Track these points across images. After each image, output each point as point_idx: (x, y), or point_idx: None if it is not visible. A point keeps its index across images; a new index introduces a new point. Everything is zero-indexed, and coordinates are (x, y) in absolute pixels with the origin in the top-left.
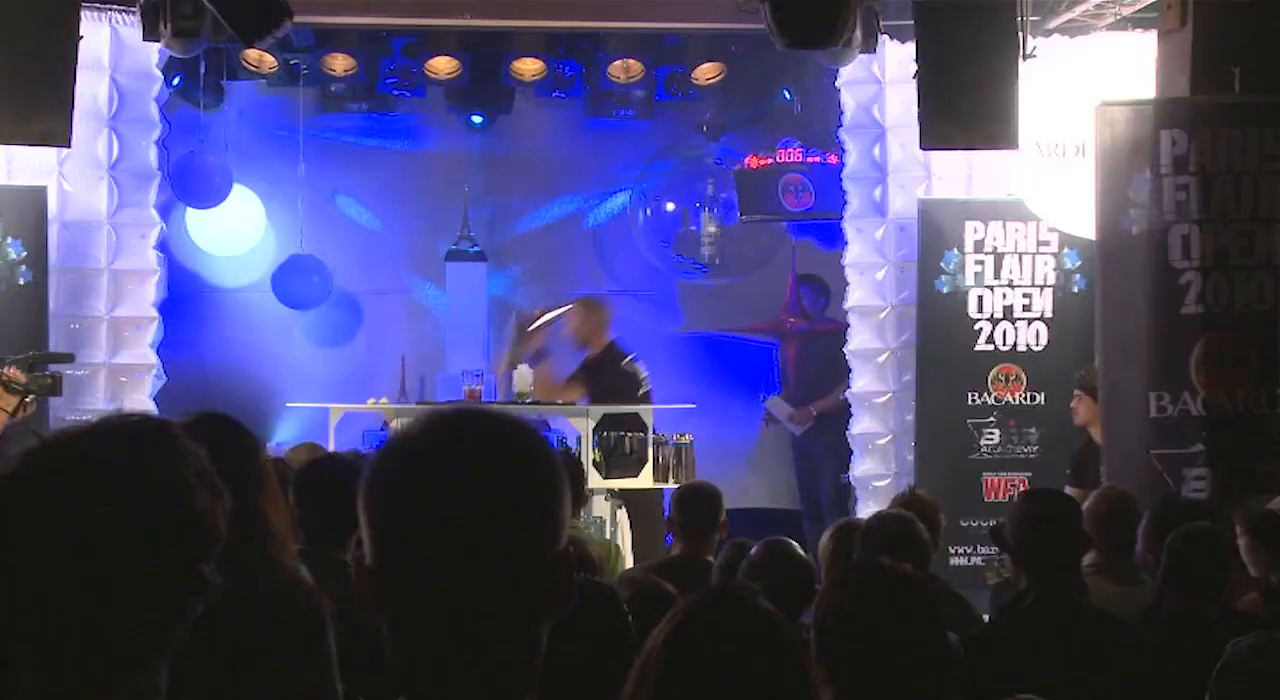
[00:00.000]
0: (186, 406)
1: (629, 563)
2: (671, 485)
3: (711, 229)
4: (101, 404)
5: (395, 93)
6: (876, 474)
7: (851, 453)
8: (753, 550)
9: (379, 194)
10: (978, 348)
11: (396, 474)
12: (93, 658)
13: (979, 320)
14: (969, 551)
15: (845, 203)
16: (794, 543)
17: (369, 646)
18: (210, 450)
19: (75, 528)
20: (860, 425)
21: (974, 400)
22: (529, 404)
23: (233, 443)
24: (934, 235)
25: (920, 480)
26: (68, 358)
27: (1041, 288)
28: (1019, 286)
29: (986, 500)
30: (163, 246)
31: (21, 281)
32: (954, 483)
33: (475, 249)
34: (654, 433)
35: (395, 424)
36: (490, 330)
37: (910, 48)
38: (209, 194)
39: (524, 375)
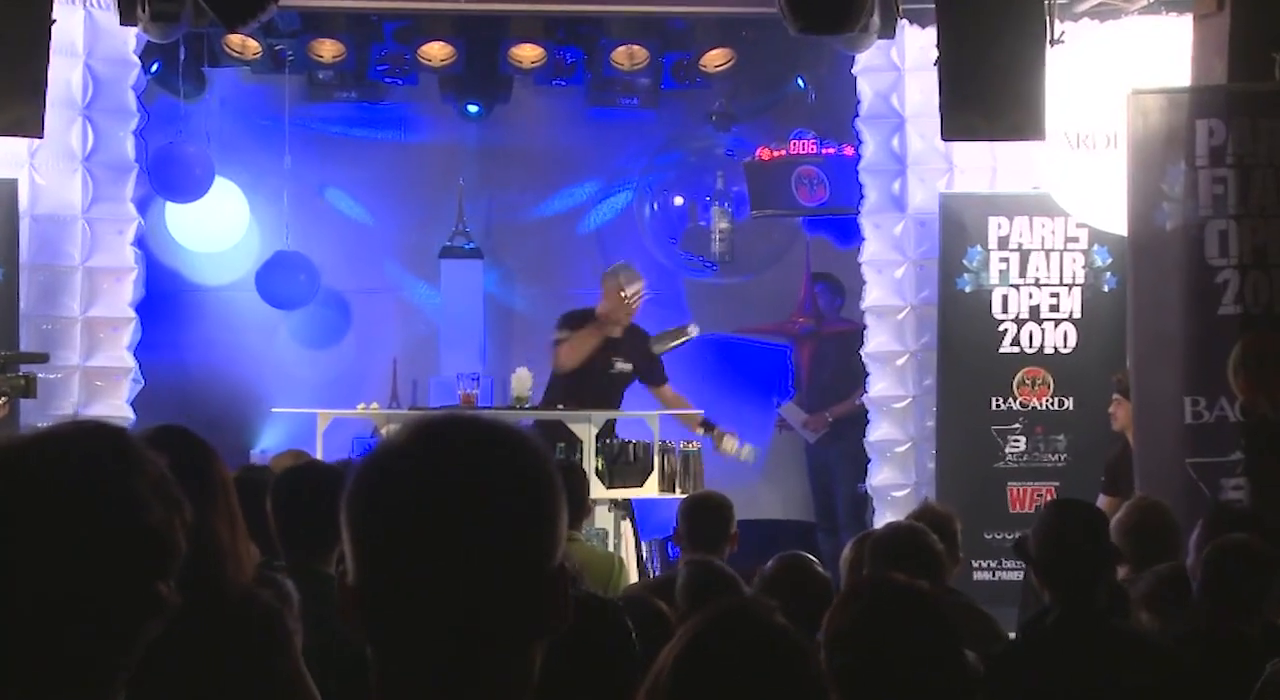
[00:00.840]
0: (166, 412)
1: (633, 577)
2: (678, 495)
3: (721, 225)
4: (75, 409)
5: (386, 80)
6: (895, 483)
7: (869, 461)
8: (767, 564)
9: (369, 187)
10: (1002, 350)
11: (380, 485)
12: (40, 684)
13: (1004, 321)
14: (993, 566)
15: (862, 197)
16: (811, 557)
17: (352, 666)
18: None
19: (17, 543)
20: (878, 432)
21: (998, 406)
22: (527, 409)
23: (185, 454)
24: (956, 231)
25: (941, 490)
26: (41, 358)
27: (1070, 287)
28: (1046, 285)
29: (1012, 511)
30: (140, 243)
31: None
32: (977, 493)
33: (471, 246)
34: (660, 440)
35: (387, 430)
36: (486, 331)
37: (931, 33)
38: (189, 187)
39: (522, 378)
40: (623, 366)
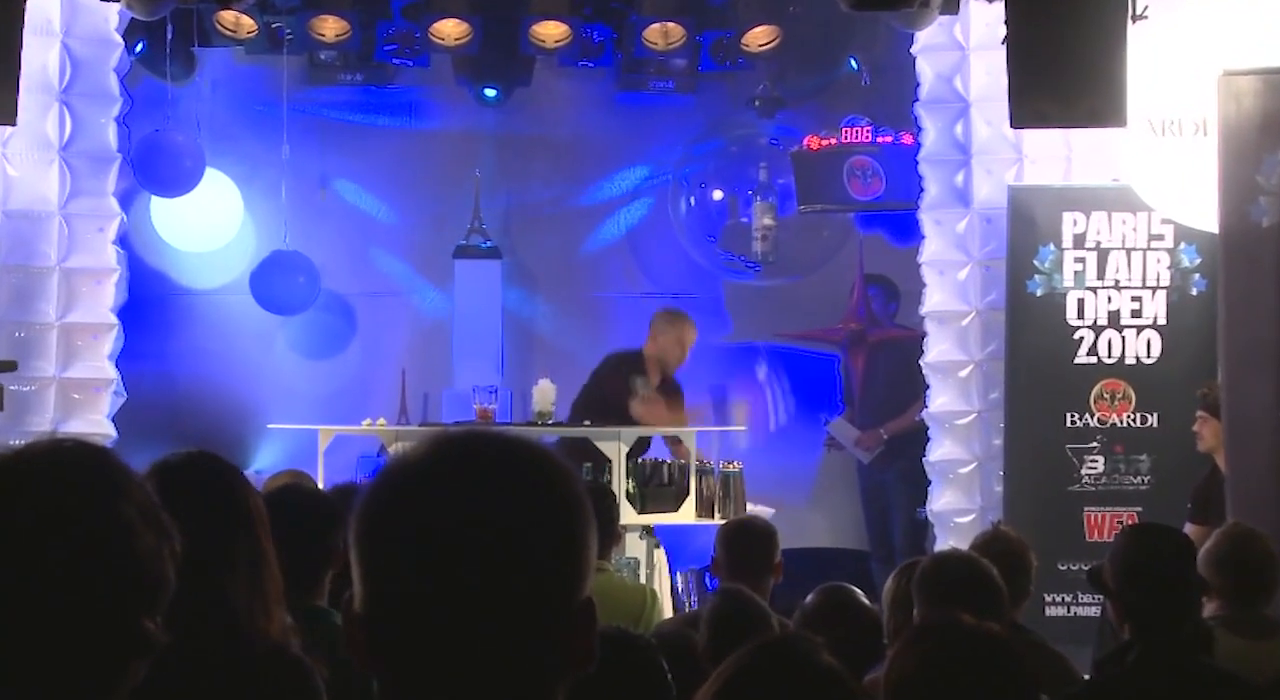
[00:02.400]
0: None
1: (668, 611)
2: (717, 521)
3: (765, 221)
4: (51, 425)
5: (395, 62)
6: (958, 508)
7: (929, 483)
8: (808, 598)
9: (376, 180)
10: (1078, 360)
11: (391, 507)
12: None
13: (1079, 328)
14: (1068, 600)
15: (921, 190)
16: (856, 589)
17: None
18: (192, 495)
19: None
20: (939, 451)
21: (1073, 422)
22: (551, 426)
23: (215, 485)
24: (1026, 228)
25: (1010, 516)
26: (9, 365)
27: (1154, 290)
28: (1127, 288)
29: (1088, 540)
30: (123, 241)
31: None
32: (1050, 519)
33: (488, 245)
34: (697, 460)
35: (395, 449)
36: (504, 339)
37: (999, 8)
38: (178, 180)
39: (544, 391)
40: (646, 393)
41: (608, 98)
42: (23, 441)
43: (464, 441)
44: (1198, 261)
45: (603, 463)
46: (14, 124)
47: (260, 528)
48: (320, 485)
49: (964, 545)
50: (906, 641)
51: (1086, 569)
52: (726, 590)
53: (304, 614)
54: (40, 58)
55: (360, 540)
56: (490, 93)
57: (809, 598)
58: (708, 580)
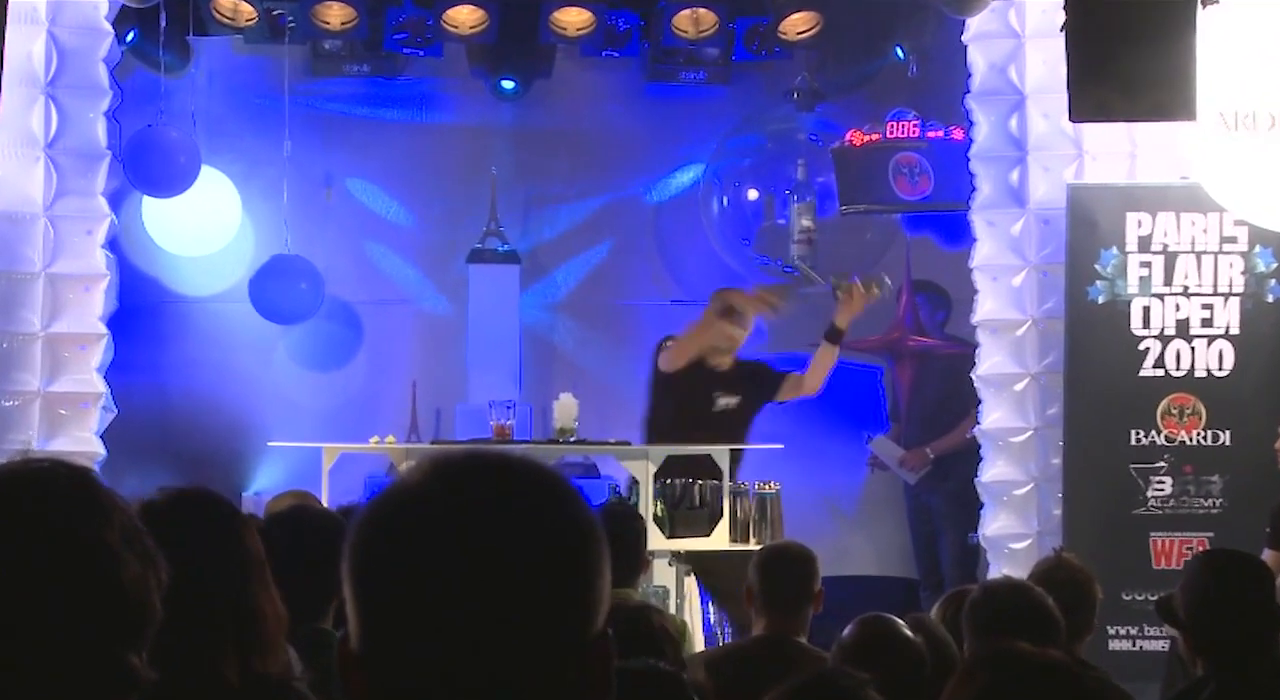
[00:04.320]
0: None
1: (699, 644)
2: (753, 546)
3: (803, 223)
4: (36, 443)
5: (405, 52)
6: (1013, 533)
7: (981, 506)
8: (846, 630)
9: (384, 179)
10: (1143, 373)
11: (389, 535)
12: None
13: (1145, 338)
14: (1133, 632)
15: (973, 189)
16: (897, 619)
17: None
18: (183, 540)
19: None
20: (992, 471)
21: (1139, 440)
22: (572, 443)
23: (214, 524)
24: (1087, 230)
25: (1069, 541)
26: None
27: (1226, 296)
28: (1196, 295)
29: (1155, 567)
30: (113, 245)
31: None
32: (1113, 545)
33: (505, 248)
34: (732, 480)
35: (404, 468)
36: (523, 350)
37: None
38: (171, 179)
39: (566, 406)
40: (727, 402)
41: (634, 90)
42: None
43: (463, 464)
44: (1274, 266)
45: (629, 484)
46: None
47: (258, 570)
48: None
49: (1019, 573)
50: (965, 673)
51: (1155, 599)
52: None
53: (307, 638)
54: (24, 47)
55: (353, 574)
56: (508, 85)
57: (847, 629)
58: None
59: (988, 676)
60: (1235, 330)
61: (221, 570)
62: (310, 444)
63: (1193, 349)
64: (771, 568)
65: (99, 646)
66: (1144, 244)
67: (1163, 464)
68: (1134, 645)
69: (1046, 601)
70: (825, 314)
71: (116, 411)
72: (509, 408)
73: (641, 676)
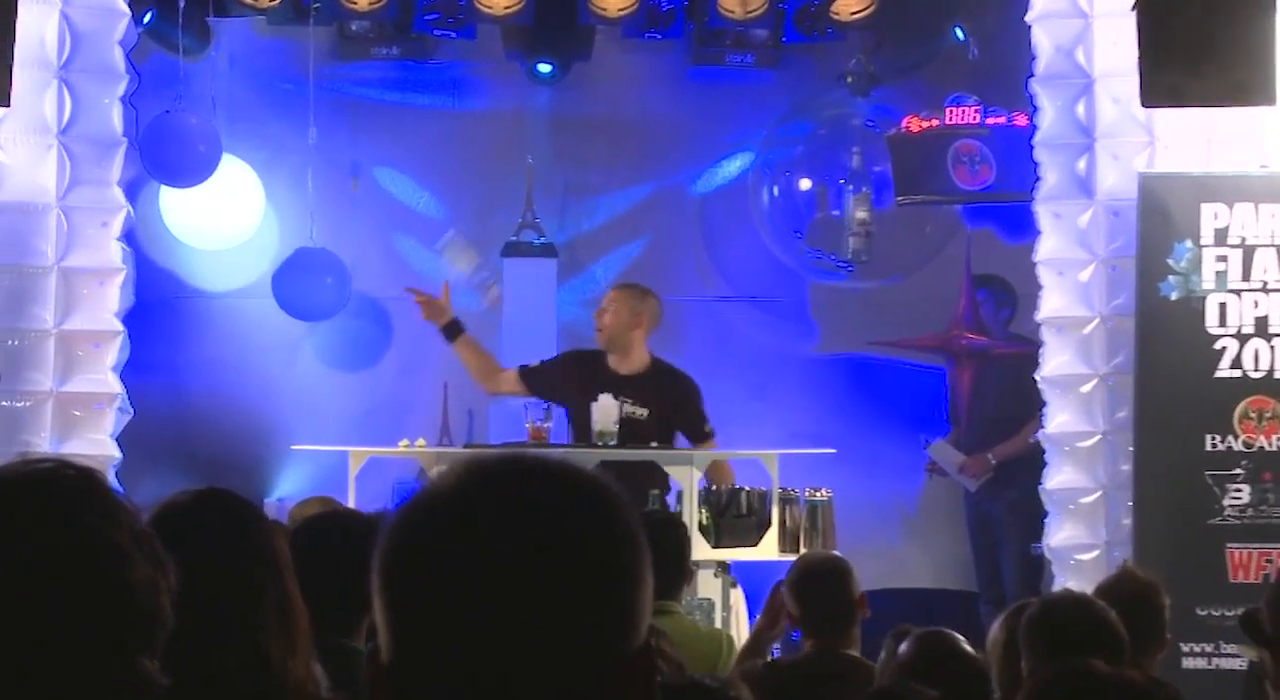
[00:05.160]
0: (159, 449)
1: None
2: None
3: (858, 214)
4: (49, 446)
5: (436, 33)
6: (1079, 543)
7: (1045, 515)
8: (902, 646)
9: (414, 168)
10: (1219, 374)
11: (419, 543)
12: None
13: (1221, 336)
14: (1209, 650)
15: (1037, 178)
16: (957, 635)
17: None
18: (204, 541)
19: None
20: (1057, 478)
21: (1214, 445)
22: (612, 447)
23: (233, 527)
24: (1159, 222)
25: (1140, 553)
26: None
27: None
28: (1276, 291)
29: (1232, 581)
30: (129, 237)
31: None
32: (1187, 557)
33: (541, 241)
34: (780, 487)
35: (435, 473)
36: (561, 348)
37: None
38: (191, 168)
39: (606, 408)
40: (633, 410)
41: (678, 74)
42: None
43: (498, 468)
44: None
45: (671, 490)
46: (7, 105)
47: (285, 572)
48: None
49: (1086, 587)
50: (1033, 691)
51: (1232, 615)
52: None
53: (334, 655)
54: (36, 30)
55: (383, 584)
56: (544, 69)
57: (904, 645)
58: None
59: (1060, 695)
60: None
61: (249, 571)
62: (336, 447)
63: (1272, 348)
64: (806, 587)
65: (109, 650)
66: (1220, 237)
67: (1240, 471)
68: (1209, 664)
69: (1109, 616)
70: (881, 316)
71: (132, 413)
72: (545, 409)
73: (687, 692)
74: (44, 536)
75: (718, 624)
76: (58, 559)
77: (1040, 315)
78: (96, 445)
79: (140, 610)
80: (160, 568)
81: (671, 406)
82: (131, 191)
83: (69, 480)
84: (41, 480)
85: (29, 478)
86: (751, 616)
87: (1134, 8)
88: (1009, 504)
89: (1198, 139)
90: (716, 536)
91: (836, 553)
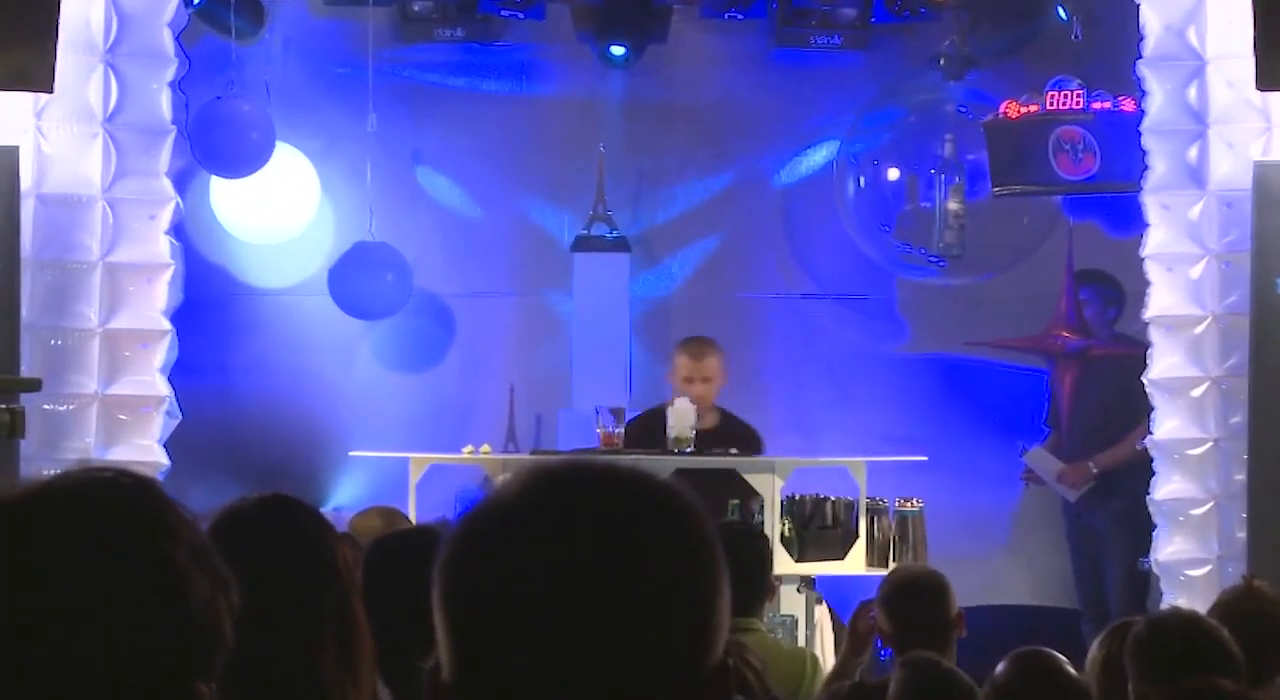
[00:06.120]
0: (208, 455)
1: None
2: None
3: (951, 206)
4: (94, 451)
5: (503, 14)
6: (1190, 558)
7: (1153, 527)
8: (999, 668)
9: (479, 157)
10: None
11: (484, 554)
12: None
13: None
14: None
15: (1145, 168)
16: (1058, 655)
17: None
18: (270, 548)
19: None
20: (1166, 488)
21: None
22: (689, 455)
23: (295, 536)
24: (1276, 214)
25: (1256, 567)
26: (33, 384)
27: None
28: None
29: None
30: (178, 231)
31: None
32: None
33: (614, 235)
34: (868, 497)
35: (500, 481)
36: (635, 349)
37: None
38: (243, 157)
39: (682, 413)
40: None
41: (760, 57)
42: (55, 470)
43: (567, 476)
44: None
45: (752, 500)
46: (50, 91)
47: (349, 584)
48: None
49: (1196, 605)
50: None
51: None
52: (919, 661)
53: (402, 677)
54: (81, 12)
55: (444, 599)
56: (617, 51)
57: (1000, 667)
58: (879, 645)
59: None
60: None
61: (312, 590)
62: (396, 454)
63: None
64: (900, 603)
65: (165, 674)
66: None
67: None
68: None
69: (1222, 635)
70: (976, 314)
71: (181, 417)
72: (618, 414)
73: None
74: (98, 551)
75: (801, 642)
76: (112, 576)
77: (1148, 314)
78: (143, 451)
79: (198, 632)
80: (222, 586)
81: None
82: (181, 183)
83: (128, 491)
84: (99, 490)
85: (86, 488)
86: (838, 634)
87: None
88: (1113, 515)
89: None
90: (800, 549)
91: (931, 567)
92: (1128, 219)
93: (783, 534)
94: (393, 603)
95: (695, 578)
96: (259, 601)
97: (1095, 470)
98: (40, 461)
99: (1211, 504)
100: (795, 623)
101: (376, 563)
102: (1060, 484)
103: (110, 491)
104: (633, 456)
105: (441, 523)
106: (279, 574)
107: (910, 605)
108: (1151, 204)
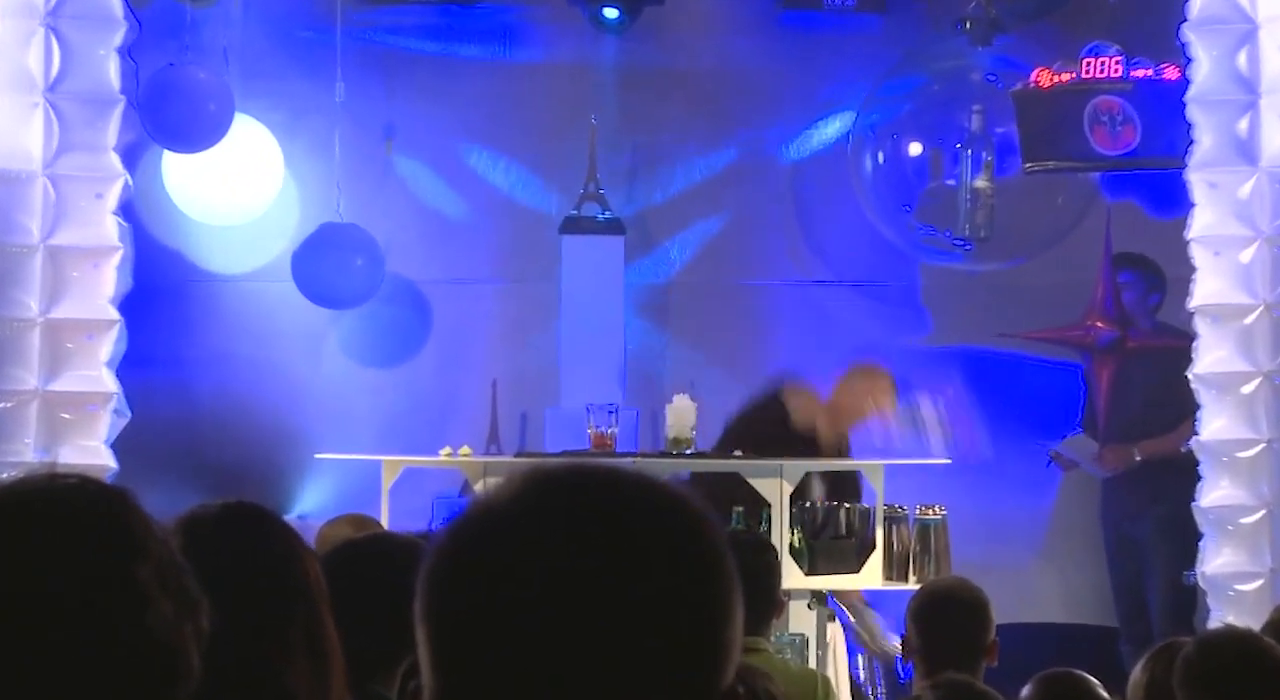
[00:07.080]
0: (162, 457)
1: None
2: (912, 586)
3: (978, 184)
4: (32, 454)
5: None
6: (1240, 571)
7: (1199, 537)
8: (1025, 690)
9: (457, 131)
10: None
11: (471, 565)
12: None
13: None
14: None
15: (1190, 142)
16: (1088, 676)
17: None
18: (233, 560)
19: None
20: (1214, 493)
21: None
22: (689, 457)
23: (261, 548)
24: None
25: None
26: None
27: None
28: None
29: None
30: (127, 211)
31: None
32: None
33: (607, 215)
34: (885, 504)
35: (482, 486)
36: (629, 341)
37: None
38: (199, 130)
39: (681, 412)
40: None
41: (767, 19)
42: (7, 474)
43: (563, 480)
44: None
45: (759, 506)
46: None
47: (319, 597)
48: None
49: (1250, 621)
50: None
51: None
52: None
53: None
54: None
55: (427, 612)
56: (610, 14)
57: (1026, 688)
58: (899, 666)
59: None
60: None
61: (279, 601)
62: (367, 456)
63: None
64: (933, 616)
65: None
66: None
67: None
68: None
69: (1274, 652)
70: (1005, 302)
71: (130, 415)
72: (611, 413)
73: None
74: (55, 566)
75: (812, 663)
76: (67, 593)
77: (1193, 302)
78: (88, 453)
79: (158, 658)
80: (189, 609)
81: None
82: (130, 158)
83: (89, 500)
84: (60, 500)
85: (45, 496)
86: (851, 654)
87: None
88: (1156, 524)
89: None
90: (811, 561)
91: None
92: (1171, 198)
93: (792, 545)
94: (350, 618)
95: (701, 586)
96: (221, 614)
97: (1138, 458)
98: None
99: (1263, 512)
100: (805, 642)
101: (332, 574)
102: (1094, 466)
103: (70, 498)
104: (630, 458)
105: (419, 534)
106: (242, 586)
107: (943, 620)
108: (1197, 182)
